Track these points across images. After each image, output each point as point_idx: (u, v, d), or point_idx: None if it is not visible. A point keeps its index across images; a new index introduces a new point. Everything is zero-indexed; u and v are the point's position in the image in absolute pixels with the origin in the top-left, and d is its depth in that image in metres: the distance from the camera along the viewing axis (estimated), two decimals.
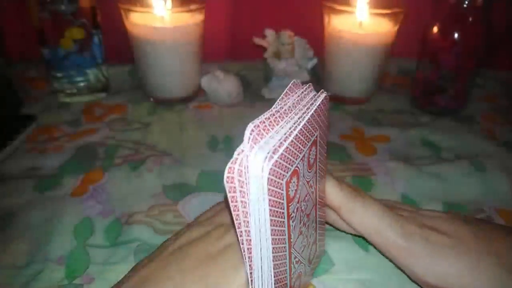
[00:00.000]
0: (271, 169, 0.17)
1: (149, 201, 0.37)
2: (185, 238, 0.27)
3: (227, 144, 0.46)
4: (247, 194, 0.18)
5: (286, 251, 0.21)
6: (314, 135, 0.22)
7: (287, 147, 0.19)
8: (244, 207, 0.19)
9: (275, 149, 0.18)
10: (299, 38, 0.56)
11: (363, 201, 0.28)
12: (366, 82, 0.56)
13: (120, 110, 0.53)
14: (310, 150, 0.22)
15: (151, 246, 0.31)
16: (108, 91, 0.57)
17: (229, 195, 0.18)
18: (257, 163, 0.18)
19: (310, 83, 0.25)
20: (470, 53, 0.49)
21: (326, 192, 0.28)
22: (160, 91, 0.54)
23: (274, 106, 0.21)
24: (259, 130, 0.19)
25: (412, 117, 0.54)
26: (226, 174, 0.18)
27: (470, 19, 0.47)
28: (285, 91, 0.22)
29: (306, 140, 0.21)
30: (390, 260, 0.28)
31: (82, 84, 0.54)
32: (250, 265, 0.20)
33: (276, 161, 0.18)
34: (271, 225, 0.19)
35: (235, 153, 0.18)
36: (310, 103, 0.23)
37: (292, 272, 0.23)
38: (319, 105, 0.23)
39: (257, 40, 0.57)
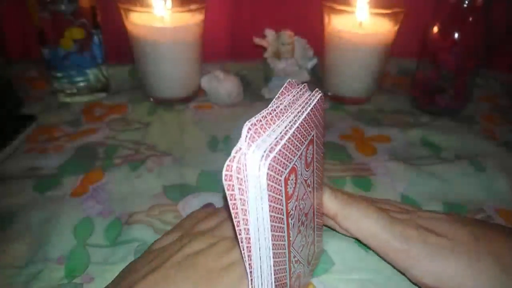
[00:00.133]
0: (270, 164, 0.18)
1: (149, 201, 0.37)
2: (189, 250, 0.27)
3: (227, 144, 0.46)
4: (246, 191, 0.18)
5: (285, 249, 0.21)
6: (310, 134, 0.22)
7: (285, 144, 0.19)
8: (243, 204, 0.19)
9: (273, 146, 0.18)
10: (299, 38, 0.56)
11: (358, 207, 0.28)
12: (366, 82, 0.56)
13: (120, 110, 0.53)
14: (307, 149, 0.22)
15: None
16: (108, 91, 0.57)
17: (227, 193, 0.18)
18: (255, 160, 0.18)
19: (305, 83, 0.25)
20: (470, 53, 0.49)
21: (322, 202, 0.28)
22: (160, 91, 0.54)
23: (270, 105, 0.21)
24: (256, 129, 0.19)
25: (412, 117, 0.54)
26: (224, 172, 0.18)
27: (470, 19, 0.47)
28: (281, 91, 0.23)
29: (303, 138, 0.21)
30: (389, 264, 0.28)
31: (82, 84, 0.54)
32: (249, 264, 0.20)
33: (275, 157, 0.18)
34: (270, 221, 0.19)
35: (233, 151, 0.18)
36: (306, 102, 0.23)
37: (291, 272, 0.23)
38: (315, 104, 0.23)
39: (257, 40, 0.57)
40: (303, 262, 0.25)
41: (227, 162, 0.18)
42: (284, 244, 0.21)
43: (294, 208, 0.21)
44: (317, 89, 0.25)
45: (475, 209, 0.37)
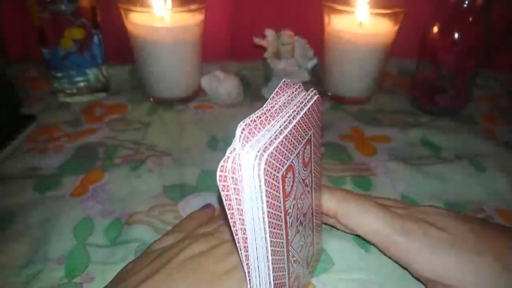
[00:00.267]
0: (267, 159, 0.18)
1: (149, 201, 0.37)
2: (190, 252, 0.27)
3: (227, 144, 0.46)
4: (241, 191, 0.18)
5: (283, 248, 0.21)
6: (308, 133, 0.22)
7: (281, 141, 0.19)
8: (239, 204, 0.19)
9: (269, 143, 0.18)
10: (299, 38, 0.56)
11: (357, 203, 0.28)
12: (366, 82, 0.56)
13: (120, 110, 0.53)
14: (305, 148, 0.22)
15: None
16: (108, 91, 0.57)
17: (222, 193, 0.18)
18: (250, 159, 0.18)
19: (301, 83, 0.25)
20: (470, 53, 0.49)
21: (321, 202, 0.28)
22: (160, 91, 0.54)
23: (265, 105, 0.21)
24: (250, 129, 0.19)
25: (412, 117, 0.54)
26: (218, 173, 0.18)
27: (470, 19, 0.47)
28: (275, 91, 0.23)
29: (300, 137, 0.21)
30: (390, 258, 0.28)
31: (82, 84, 0.54)
32: (247, 264, 0.20)
33: (272, 152, 0.18)
34: (268, 217, 0.19)
35: (227, 151, 0.18)
36: (301, 101, 0.23)
37: (290, 272, 0.23)
38: (312, 104, 0.23)
39: (257, 40, 0.57)
40: (302, 263, 0.25)
41: (221, 163, 0.18)
42: (282, 243, 0.21)
43: (292, 207, 0.21)
44: (312, 88, 0.25)
45: (475, 209, 0.37)
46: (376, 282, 0.29)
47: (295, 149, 0.20)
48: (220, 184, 0.18)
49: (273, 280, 0.21)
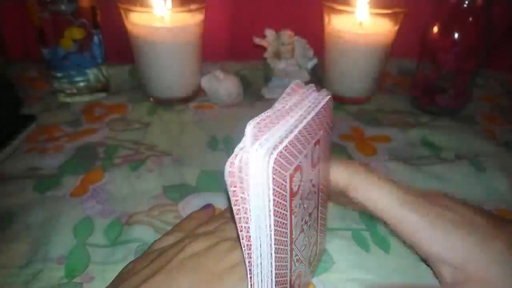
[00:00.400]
0: (276, 158, 0.18)
1: (149, 201, 0.37)
2: (190, 251, 0.27)
3: (227, 144, 0.46)
4: (247, 190, 0.18)
5: (287, 246, 0.21)
6: (318, 134, 0.22)
7: (291, 141, 0.19)
8: (244, 203, 0.19)
9: (279, 142, 0.18)
10: (299, 38, 0.56)
11: (369, 177, 0.26)
12: (366, 82, 0.56)
13: (120, 110, 0.53)
14: (314, 149, 0.22)
15: None
16: (108, 91, 0.57)
17: (230, 189, 0.18)
18: (259, 157, 0.18)
19: (312, 84, 0.24)
20: (470, 53, 0.49)
21: (331, 174, 0.27)
22: (160, 91, 0.54)
23: (275, 105, 0.21)
24: (260, 127, 0.19)
25: (412, 117, 0.54)
26: (227, 169, 0.18)
27: (470, 19, 0.47)
28: (286, 91, 0.22)
29: (310, 137, 0.21)
30: (398, 236, 0.27)
31: (82, 84, 0.54)
32: (249, 262, 0.20)
33: (281, 152, 0.18)
34: (274, 215, 0.19)
35: (236, 149, 0.18)
36: (312, 102, 0.23)
37: (292, 270, 0.23)
38: (323, 105, 0.23)
39: (257, 40, 0.57)
40: (305, 262, 0.25)
41: (230, 159, 0.18)
42: (286, 241, 0.21)
43: (298, 206, 0.21)
44: (324, 89, 0.24)
45: None
46: (376, 282, 0.29)
47: (304, 149, 0.20)
48: (228, 180, 0.18)
49: (275, 277, 0.21)
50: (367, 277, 0.29)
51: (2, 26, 0.65)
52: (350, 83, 0.56)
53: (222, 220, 0.30)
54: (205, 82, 0.56)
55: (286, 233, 0.21)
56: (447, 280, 0.25)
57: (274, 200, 0.18)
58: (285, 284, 0.22)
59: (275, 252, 0.20)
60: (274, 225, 0.19)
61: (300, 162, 0.20)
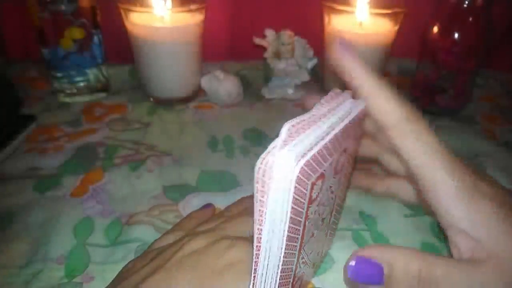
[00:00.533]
0: (302, 168, 0.18)
1: (149, 201, 0.37)
2: (188, 249, 0.27)
3: (227, 144, 0.46)
4: (267, 193, 0.18)
5: (296, 251, 0.21)
6: (346, 142, 0.22)
7: (319, 150, 0.19)
8: (262, 206, 0.19)
9: (307, 150, 0.18)
10: (299, 38, 0.56)
11: (421, 127, 0.24)
12: None
13: (120, 110, 0.53)
14: (339, 157, 0.22)
15: None
16: (108, 91, 0.57)
17: (255, 185, 0.18)
18: (287, 162, 0.18)
19: (349, 91, 0.24)
20: (470, 53, 0.49)
21: (377, 106, 0.24)
22: (160, 91, 0.54)
23: (311, 110, 0.21)
24: (292, 133, 0.19)
25: None
26: (257, 165, 0.18)
27: (470, 19, 0.47)
28: (323, 98, 0.23)
29: (338, 145, 0.21)
30: (423, 198, 0.25)
31: (82, 84, 0.54)
32: (255, 262, 0.20)
33: (308, 161, 0.18)
34: (289, 222, 0.19)
35: (270, 147, 0.18)
36: (347, 110, 0.23)
37: (296, 271, 0.23)
38: (356, 114, 0.23)
39: (257, 40, 0.57)
40: (309, 264, 0.25)
41: (262, 155, 0.18)
42: (296, 246, 0.21)
43: (313, 213, 0.21)
44: (361, 99, 0.24)
45: None
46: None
47: (330, 157, 0.20)
48: (256, 176, 0.18)
49: (279, 279, 0.21)
50: None
51: (2, 26, 0.65)
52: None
53: (222, 219, 0.30)
54: (205, 82, 0.56)
55: (297, 238, 0.21)
56: (464, 256, 0.22)
57: (292, 208, 0.18)
58: (288, 285, 0.22)
59: (283, 256, 0.20)
60: (288, 231, 0.19)
61: (324, 170, 0.20)
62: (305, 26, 0.58)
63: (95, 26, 0.52)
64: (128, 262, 0.28)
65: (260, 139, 0.47)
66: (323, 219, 0.24)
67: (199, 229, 0.30)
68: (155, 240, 0.30)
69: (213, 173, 0.41)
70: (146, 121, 0.51)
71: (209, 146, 0.46)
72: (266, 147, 0.18)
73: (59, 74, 0.53)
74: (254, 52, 0.61)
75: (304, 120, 0.20)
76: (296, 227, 0.20)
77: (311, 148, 0.19)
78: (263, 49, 0.57)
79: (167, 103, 0.55)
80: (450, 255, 0.23)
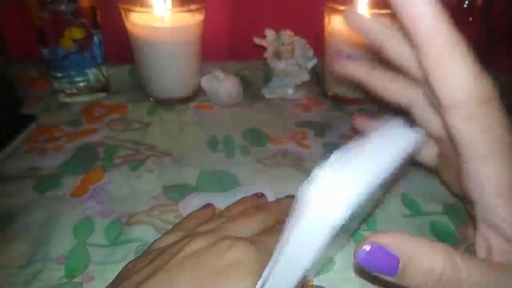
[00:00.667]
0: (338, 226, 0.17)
1: (149, 201, 0.37)
2: (189, 249, 0.26)
3: (227, 144, 0.46)
4: (299, 219, 0.18)
5: (309, 267, 0.21)
6: (392, 176, 0.21)
7: (365, 198, 0.18)
8: (289, 231, 0.18)
9: (352, 191, 0.18)
10: (299, 38, 0.56)
11: (492, 112, 0.22)
12: None
13: (120, 110, 0.53)
14: (376, 187, 0.21)
15: None
16: (108, 91, 0.57)
17: (294, 205, 0.18)
18: (321, 205, 0.17)
19: (409, 123, 0.23)
20: None
21: (443, 75, 0.21)
22: (160, 91, 0.54)
23: (363, 138, 0.20)
24: (336, 167, 0.18)
25: None
26: (303, 185, 0.18)
27: (470, 19, 0.48)
28: (379, 127, 0.22)
29: (385, 185, 0.20)
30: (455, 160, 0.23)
31: (82, 84, 0.54)
32: (267, 269, 0.21)
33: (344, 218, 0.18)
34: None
35: (315, 170, 0.18)
36: (402, 146, 0.21)
37: (302, 276, 0.23)
38: (411, 150, 0.21)
39: (257, 40, 0.57)
40: (316, 268, 0.25)
41: (309, 178, 0.18)
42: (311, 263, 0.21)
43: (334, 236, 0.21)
44: (419, 129, 0.23)
45: None
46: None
47: (371, 195, 0.19)
48: (297, 196, 0.18)
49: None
50: (367, 277, 0.29)
51: (2, 26, 0.65)
52: (350, 83, 0.55)
53: (222, 219, 0.30)
54: (205, 82, 0.56)
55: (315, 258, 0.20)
56: (496, 258, 0.20)
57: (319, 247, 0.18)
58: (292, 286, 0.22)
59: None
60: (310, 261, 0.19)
61: (358, 206, 0.19)
62: (305, 26, 0.58)
63: (95, 26, 0.52)
64: (128, 262, 0.28)
65: (260, 139, 0.47)
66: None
67: (199, 229, 0.29)
68: (155, 240, 0.30)
69: (213, 173, 0.41)
70: (146, 121, 0.51)
71: (209, 146, 0.46)
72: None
73: (59, 74, 0.53)
74: (254, 52, 0.61)
75: (351, 148, 0.19)
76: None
77: (359, 194, 0.17)
78: (263, 49, 0.57)
79: (167, 103, 0.55)
80: (467, 247, 0.22)
